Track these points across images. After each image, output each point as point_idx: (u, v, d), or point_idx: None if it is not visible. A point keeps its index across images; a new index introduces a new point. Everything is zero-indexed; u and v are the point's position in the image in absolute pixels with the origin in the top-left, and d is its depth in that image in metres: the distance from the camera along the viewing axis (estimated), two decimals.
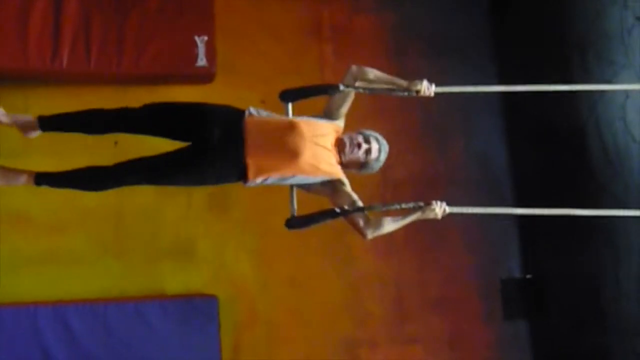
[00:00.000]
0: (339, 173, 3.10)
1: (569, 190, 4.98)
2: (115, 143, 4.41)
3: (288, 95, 3.16)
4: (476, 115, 5.60)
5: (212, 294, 4.78)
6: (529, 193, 5.44)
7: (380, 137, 3.16)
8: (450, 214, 3.07)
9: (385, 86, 3.14)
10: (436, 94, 3.11)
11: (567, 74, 5.05)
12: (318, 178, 3.08)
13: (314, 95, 3.14)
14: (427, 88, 3.08)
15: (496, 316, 5.39)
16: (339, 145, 3.11)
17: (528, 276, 5.44)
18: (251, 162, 2.98)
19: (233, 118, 3.03)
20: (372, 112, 5.21)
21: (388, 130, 5.09)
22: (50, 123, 3.13)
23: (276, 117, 3.09)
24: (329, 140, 3.09)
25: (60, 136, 3.22)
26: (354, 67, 3.12)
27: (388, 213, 3.11)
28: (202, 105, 3.09)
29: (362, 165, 3.14)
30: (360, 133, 3.13)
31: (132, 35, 4.75)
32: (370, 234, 3.07)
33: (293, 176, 3.04)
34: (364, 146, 3.10)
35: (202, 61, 4.84)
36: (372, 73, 3.12)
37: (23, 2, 4.58)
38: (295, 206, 3.12)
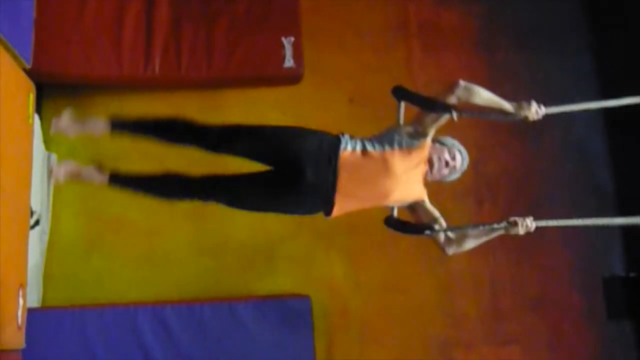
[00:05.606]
0: (422, 195, 3.10)
1: None
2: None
3: (402, 93, 3.00)
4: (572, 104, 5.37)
5: (305, 294, 4.79)
6: (631, 187, 5.18)
7: (461, 147, 3.09)
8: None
9: (491, 109, 2.91)
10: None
11: None
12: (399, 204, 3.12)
13: (422, 106, 2.99)
14: (537, 112, 2.87)
15: (598, 316, 5.15)
16: (429, 165, 3.05)
17: (632, 274, 5.18)
18: (338, 201, 2.97)
19: (327, 152, 2.94)
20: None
21: (478, 125, 5.06)
22: (122, 124, 3.16)
23: (371, 150, 2.97)
24: (420, 171, 3.04)
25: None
26: (461, 85, 2.84)
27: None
28: (296, 135, 2.99)
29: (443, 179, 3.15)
30: (445, 146, 3.05)
31: (221, 39, 4.82)
32: (451, 252, 3.12)
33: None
34: (451, 164, 3.06)
35: (289, 62, 4.85)
36: (480, 95, 2.84)
37: (116, 13, 4.72)
38: (396, 210, 3.15)
